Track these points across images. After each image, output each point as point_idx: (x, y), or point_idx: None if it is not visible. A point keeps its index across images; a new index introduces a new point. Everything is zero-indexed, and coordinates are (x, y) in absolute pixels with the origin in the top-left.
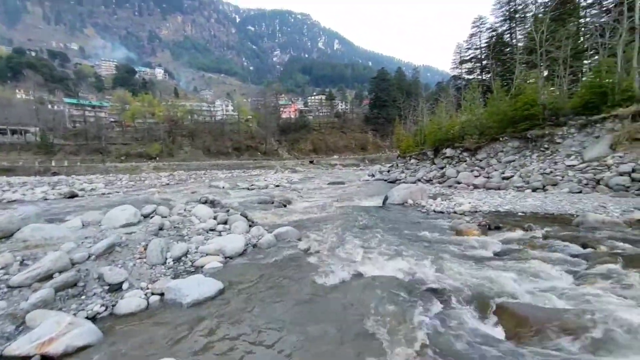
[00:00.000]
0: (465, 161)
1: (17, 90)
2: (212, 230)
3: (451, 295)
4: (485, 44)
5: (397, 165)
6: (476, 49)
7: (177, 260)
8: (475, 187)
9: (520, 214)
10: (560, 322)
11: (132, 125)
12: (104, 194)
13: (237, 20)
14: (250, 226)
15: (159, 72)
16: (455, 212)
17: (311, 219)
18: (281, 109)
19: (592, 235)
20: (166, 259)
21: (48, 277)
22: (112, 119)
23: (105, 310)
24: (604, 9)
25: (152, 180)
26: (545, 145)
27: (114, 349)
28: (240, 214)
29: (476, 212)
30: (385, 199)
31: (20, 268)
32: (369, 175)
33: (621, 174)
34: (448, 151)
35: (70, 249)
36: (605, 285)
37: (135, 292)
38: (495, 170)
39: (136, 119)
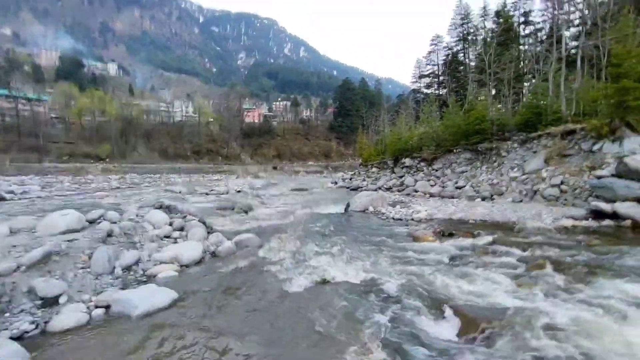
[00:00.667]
0: (422, 171)
1: None
2: (167, 237)
3: (407, 298)
4: (442, 61)
5: (359, 173)
6: (434, 65)
7: (127, 269)
8: (432, 195)
9: (471, 221)
10: (503, 320)
11: (78, 123)
12: (39, 197)
13: (201, 20)
14: (209, 233)
15: (112, 67)
16: (412, 220)
17: (273, 225)
18: (245, 113)
19: (530, 240)
20: (114, 268)
21: None
22: (53, 115)
23: (36, 328)
24: (539, 40)
25: (100, 183)
26: (493, 158)
27: None
28: (199, 220)
29: (432, 219)
30: (347, 206)
31: None
32: (332, 183)
33: (552, 186)
34: (407, 161)
35: None
36: (539, 285)
37: (75, 306)
38: (450, 180)
39: (84, 116)
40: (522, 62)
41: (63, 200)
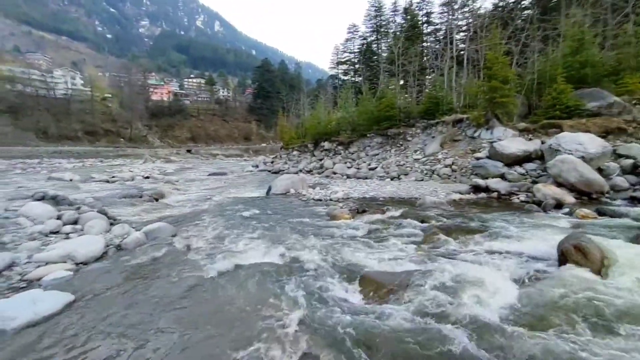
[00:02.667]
0: (340, 154)
1: None
2: (54, 233)
3: (323, 272)
4: (358, 50)
5: (280, 156)
6: (350, 52)
7: None
8: (348, 177)
9: (381, 198)
10: (402, 280)
11: None
12: None
13: None
14: (111, 224)
15: None
16: (331, 200)
17: (189, 213)
18: (151, 89)
19: (428, 213)
20: None
21: None
22: None
23: None
24: (437, 39)
25: None
26: (400, 142)
27: None
28: (97, 211)
29: (348, 198)
30: (269, 189)
31: None
32: (253, 166)
33: (446, 166)
34: (326, 144)
35: None
36: (434, 249)
37: None
38: (364, 162)
39: None
40: (424, 57)
41: None
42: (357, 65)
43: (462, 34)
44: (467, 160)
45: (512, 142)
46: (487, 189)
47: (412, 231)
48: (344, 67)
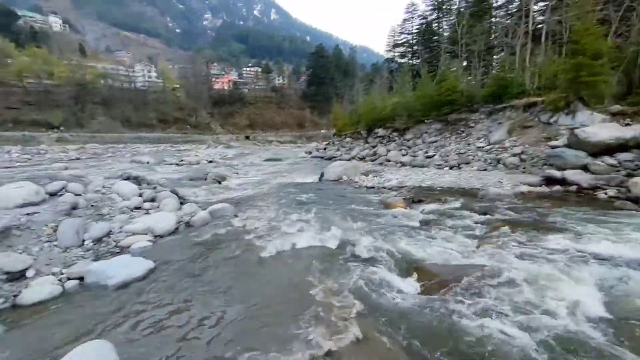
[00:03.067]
0: (394, 141)
1: None
2: (138, 208)
3: (377, 259)
4: (416, 30)
5: (333, 143)
6: (408, 34)
7: (98, 241)
8: (403, 164)
9: (439, 188)
10: (462, 275)
11: (19, 86)
12: None
13: None
14: (181, 203)
15: (55, 22)
16: (384, 187)
17: (247, 195)
18: (213, 79)
19: (491, 205)
20: (84, 240)
21: None
22: None
23: (5, 302)
24: (509, 12)
25: (57, 153)
26: (462, 129)
27: (23, 340)
28: (170, 191)
29: (402, 187)
30: (321, 175)
31: None
32: (306, 153)
33: (514, 155)
34: (380, 131)
35: None
36: (495, 244)
37: (45, 279)
38: (420, 149)
39: (26, 79)
40: (492, 35)
41: (13, 172)
42: (415, 47)
43: (541, 3)
44: (539, 149)
45: (602, 129)
46: (563, 182)
47: (473, 224)
48: (401, 49)
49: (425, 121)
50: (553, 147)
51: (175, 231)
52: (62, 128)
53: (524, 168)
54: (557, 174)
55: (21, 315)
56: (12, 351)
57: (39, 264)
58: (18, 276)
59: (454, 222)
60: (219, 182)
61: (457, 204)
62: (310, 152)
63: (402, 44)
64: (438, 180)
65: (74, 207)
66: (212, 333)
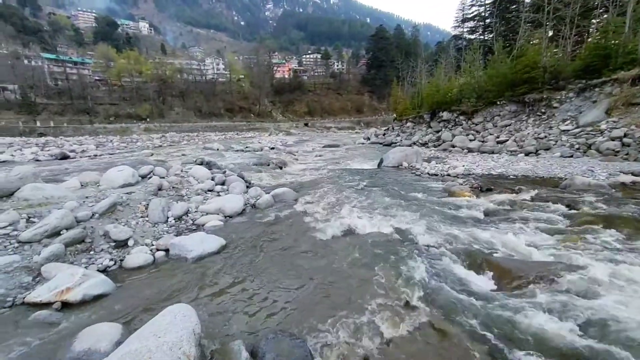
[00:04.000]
0: (461, 125)
1: None
2: (210, 190)
3: (441, 250)
4: (491, 0)
5: (392, 128)
6: (480, 5)
7: (179, 218)
8: (470, 150)
9: (512, 177)
10: (537, 273)
11: (119, 85)
12: (96, 155)
13: None
14: (247, 187)
15: (144, 26)
16: (448, 175)
17: (307, 180)
18: (275, 68)
19: (577, 197)
20: (167, 217)
21: (56, 233)
22: (96, 77)
23: (115, 264)
24: None
25: (144, 141)
26: (542, 110)
27: (129, 297)
28: (237, 175)
29: (469, 174)
30: (381, 161)
31: (27, 225)
32: (364, 139)
33: (613, 139)
34: (445, 114)
35: (73, 208)
36: (581, 241)
37: (141, 248)
38: (491, 134)
39: (123, 78)
40: None
41: (115, 158)
42: (488, 20)
43: None
44: None
45: None
46: None
47: (554, 217)
48: (471, 24)
49: (498, 103)
50: None
51: (242, 212)
52: (148, 119)
53: (626, 154)
54: None
55: (126, 276)
56: (120, 305)
57: (136, 235)
58: (122, 244)
59: (529, 214)
60: (281, 168)
61: (534, 194)
62: (368, 138)
63: (472, 18)
64: (511, 168)
65: (160, 188)
66: (278, 306)
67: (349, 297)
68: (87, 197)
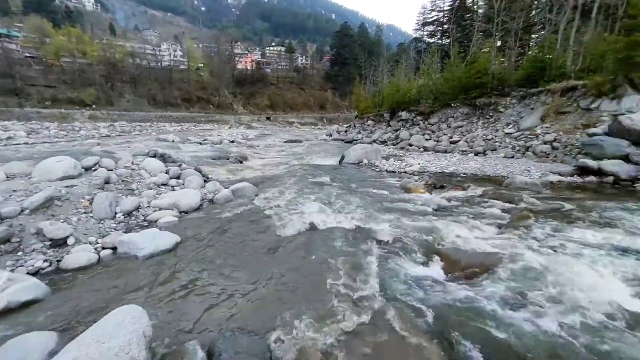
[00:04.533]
0: (418, 125)
1: None
2: (164, 184)
3: (396, 243)
4: (449, 7)
5: (354, 125)
6: (439, 11)
7: (128, 214)
8: (426, 149)
9: (462, 175)
10: (483, 262)
11: (57, 65)
12: (27, 143)
13: None
14: (205, 181)
15: (88, 1)
16: (405, 172)
17: (268, 176)
18: (237, 59)
19: (517, 194)
20: (116, 213)
21: None
22: (26, 54)
23: (50, 265)
24: None
25: (89, 130)
26: (490, 114)
27: (67, 301)
28: (194, 169)
29: (424, 172)
30: (342, 158)
31: None
32: (326, 135)
33: (545, 143)
34: (404, 114)
35: None
36: (520, 233)
37: (83, 247)
38: (445, 134)
39: (62, 58)
40: (533, 11)
41: (52, 148)
42: (445, 26)
43: None
44: (574, 137)
45: None
46: (599, 172)
47: (497, 212)
48: (431, 28)
49: (452, 105)
50: (591, 135)
51: (199, 208)
52: (94, 106)
53: (555, 157)
54: (592, 163)
55: (63, 278)
56: (55, 311)
57: (78, 233)
58: (60, 243)
59: (476, 209)
60: (241, 162)
61: (481, 191)
62: (330, 135)
63: (432, 22)
64: (462, 167)
65: (107, 182)
66: (235, 303)
67: (306, 291)
68: (14, 191)
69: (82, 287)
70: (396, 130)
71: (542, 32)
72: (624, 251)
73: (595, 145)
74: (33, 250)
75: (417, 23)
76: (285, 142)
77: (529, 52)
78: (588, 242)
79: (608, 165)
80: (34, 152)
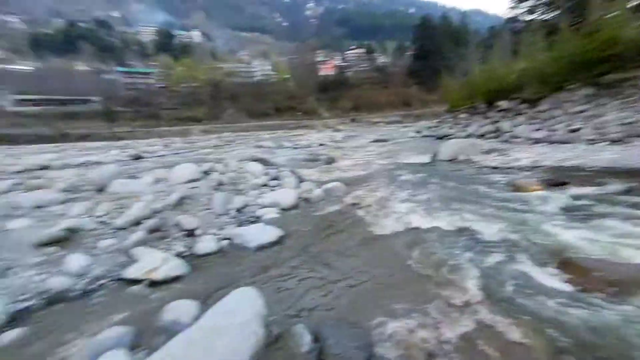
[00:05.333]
0: (523, 113)
1: (75, 62)
2: (265, 185)
3: (509, 247)
4: None
5: (445, 120)
6: None
7: (239, 211)
8: (536, 141)
9: (591, 168)
10: (628, 275)
11: (177, 90)
12: (163, 155)
13: None
14: (300, 182)
15: (196, 35)
16: (512, 168)
17: (357, 175)
18: (319, 66)
19: None
20: (228, 210)
21: (138, 222)
22: (159, 85)
23: (187, 250)
24: None
25: (203, 142)
26: (628, 91)
27: (201, 279)
28: (290, 171)
29: (537, 167)
30: (434, 155)
31: (119, 214)
32: (414, 132)
33: None
34: (503, 103)
35: (150, 201)
36: None
37: (208, 238)
38: (560, 122)
39: (181, 84)
40: None
41: (180, 157)
42: None
43: None
44: None
45: None
46: None
47: None
48: (530, 2)
49: (567, 87)
50: None
51: (296, 206)
52: (204, 121)
53: None
54: None
55: (197, 261)
56: (194, 286)
57: (203, 226)
58: (191, 234)
59: (617, 210)
60: (330, 164)
61: (623, 187)
62: (419, 132)
63: None
64: (590, 159)
65: (220, 184)
66: (335, 294)
67: (404, 291)
68: (160, 192)
69: (210, 269)
70: (495, 122)
71: None
72: None
73: None
74: (174, 238)
75: (512, 0)
76: (371, 142)
77: None
78: None
79: None
80: (168, 161)
